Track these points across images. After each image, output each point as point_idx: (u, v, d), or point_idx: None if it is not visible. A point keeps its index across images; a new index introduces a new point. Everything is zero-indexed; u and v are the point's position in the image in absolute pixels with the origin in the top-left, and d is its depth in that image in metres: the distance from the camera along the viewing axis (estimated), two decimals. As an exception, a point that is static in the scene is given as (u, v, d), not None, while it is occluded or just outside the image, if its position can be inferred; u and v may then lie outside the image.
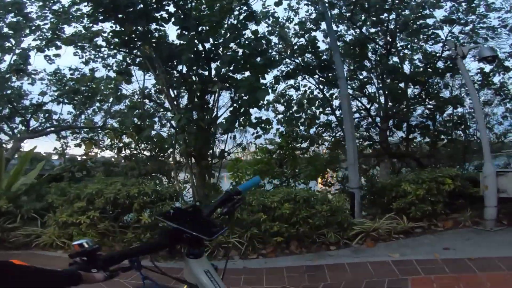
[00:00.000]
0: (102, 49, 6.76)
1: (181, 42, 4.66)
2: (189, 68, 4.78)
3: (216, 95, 4.68)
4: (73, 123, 7.86)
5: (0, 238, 3.97)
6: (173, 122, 4.70)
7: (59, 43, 5.83)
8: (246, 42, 4.48)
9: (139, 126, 4.50)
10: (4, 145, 8.35)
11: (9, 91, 7.27)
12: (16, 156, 6.69)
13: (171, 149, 5.13)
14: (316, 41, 5.21)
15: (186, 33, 4.32)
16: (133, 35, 4.64)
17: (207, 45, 4.73)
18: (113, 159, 6.59)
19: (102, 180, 4.47)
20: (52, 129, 7.85)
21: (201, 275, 0.91)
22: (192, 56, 4.46)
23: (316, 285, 2.85)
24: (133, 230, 3.75)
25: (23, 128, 7.58)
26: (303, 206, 3.69)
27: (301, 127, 6.46)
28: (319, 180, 6.92)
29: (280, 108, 6.61)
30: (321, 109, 5.80)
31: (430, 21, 5.29)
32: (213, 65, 4.78)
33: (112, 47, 5.33)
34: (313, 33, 5.39)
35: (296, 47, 5.40)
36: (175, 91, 4.77)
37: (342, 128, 6.01)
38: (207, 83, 4.43)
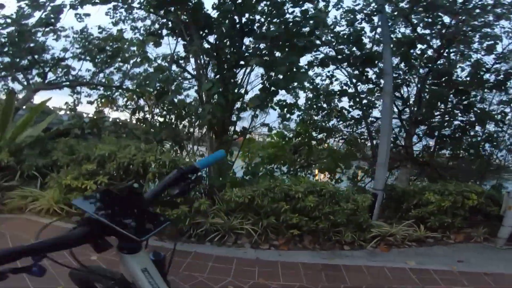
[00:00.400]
0: (134, 11, 6.54)
1: (218, 12, 4.40)
2: (222, 40, 4.50)
3: (248, 70, 4.29)
4: (91, 80, 7.53)
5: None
6: (194, 91, 4.46)
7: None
8: (292, 20, 4.07)
9: (162, 90, 4.13)
10: (16, 95, 8.08)
11: (32, 44, 6.95)
12: (24, 107, 6.39)
13: (188, 118, 4.75)
14: (363, 32, 4.75)
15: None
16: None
17: (243, 19, 4.41)
18: (125, 120, 6.24)
19: (112, 141, 4.14)
20: (68, 83, 7.52)
21: (137, 274, 0.70)
22: (228, 28, 4.16)
23: (336, 286, 2.74)
24: None
25: (39, 80, 7.28)
26: (328, 201, 3.45)
27: (319, 117, 6.13)
28: (316, 172, 6.66)
29: (302, 94, 6.22)
30: (351, 103, 5.39)
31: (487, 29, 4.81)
32: (246, 40, 4.51)
33: (148, 8, 4.92)
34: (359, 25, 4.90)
35: (338, 35, 4.91)
36: (206, 61, 4.39)
37: (367, 125, 5.63)
38: (243, 56, 4.06)
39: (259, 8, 4.46)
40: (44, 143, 4.68)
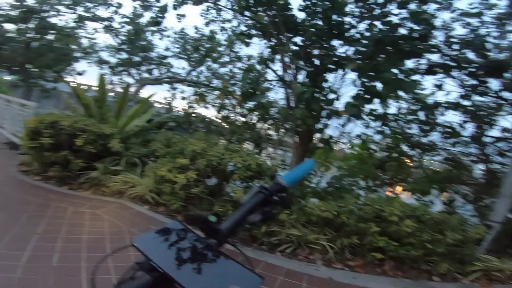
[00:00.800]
0: (222, 12, 6.95)
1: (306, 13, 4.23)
2: (311, 42, 4.28)
3: (340, 74, 3.95)
4: (185, 78, 8.34)
5: (98, 183, 3.99)
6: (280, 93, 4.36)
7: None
8: (398, 22, 3.57)
9: (251, 90, 4.12)
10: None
11: (143, 42, 8.10)
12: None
13: (272, 121, 4.65)
14: (488, 37, 3.86)
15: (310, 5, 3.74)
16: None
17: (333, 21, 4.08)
18: (211, 118, 6.62)
19: (201, 136, 4.31)
20: (168, 79, 8.46)
21: None
22: (318, 30, 3.93)
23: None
24: (222, 203, 3.46)
25: (146, 75, 8.43)
26: (430, 228, 2.97)
27: (415, 130, 5.30)
28: (398, 189, 5.76)
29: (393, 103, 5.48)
30: (464, 117, 4.46)
31: None
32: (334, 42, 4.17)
33: (239, 9, 5.05)
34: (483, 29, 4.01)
35: (451, 39, 4.12)
36: (296, 63, 4.23)
37: (482, 145, 4.61)
38: (335, 60, 3.75)
39: (349, 9, 4.12)
40: (147, 133, 5.23)
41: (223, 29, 8.10)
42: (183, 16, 8.74)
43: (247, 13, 5.01)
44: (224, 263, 0.54)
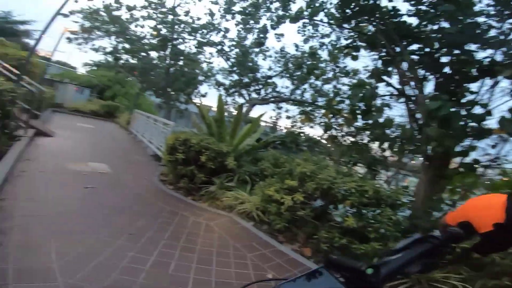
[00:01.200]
0: (320, 28, 6.81)
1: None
2: (440, 48, 3.57)
3: (492, 83, 3.06)
4: (289, 96, 8.49)
5: (214, 196, 4.33)
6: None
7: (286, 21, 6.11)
8: None
9: (365, 107, 3.71)
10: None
11: (250, 64, 8.77)
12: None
13: (389, 142, 4.02)
14: None
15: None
16: (357, 8, 3.99)
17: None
18: (317, 138, 6.43)
19: (308, 157, 4.14)
20: (273, 99, 8.84)
21: None
22: (446, 34, 3.23)
23: None
24: (328, 229, 3.20)
25: (255, 95, 9.06)
26: None
27: None
28: None
29: None
30: None
31: None
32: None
33: (337, 21, 4.77)
34: None
35: None
36: (421, 74, 3.58)
37: None
38: (486, 66, 2.94)
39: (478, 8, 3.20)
40: (256, 152, 5.50)
41: (322, 44, 8.00)
42: (282, 35, 9.15)
43: (345, 25, 4.70)
44: None
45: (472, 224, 0.54)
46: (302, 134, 6.03)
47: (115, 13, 9.41)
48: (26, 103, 8.43)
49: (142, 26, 9.95)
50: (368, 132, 4.46)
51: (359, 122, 4.41)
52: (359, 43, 4.68)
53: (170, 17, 9.26)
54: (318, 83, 8.73)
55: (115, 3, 9.25)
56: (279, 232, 3.66)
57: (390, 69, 4.25)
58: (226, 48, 9.50)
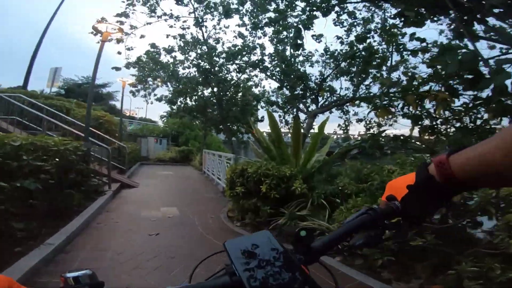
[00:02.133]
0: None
1: None
2: None
3: None
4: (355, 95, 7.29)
5: (279, 231, 3.52)
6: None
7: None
8: None
9: (472, 74, 2.51)
10: (300, 123, 9.66)
11: (296, 73, 7.98)
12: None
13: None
14: None
15: None
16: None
17: None
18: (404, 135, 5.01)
19: (403, 160, 3.00)
20: (334, 103, 7.75)
21: None
22: None
23: None
24: (473, 257, 2.13)
25: (313, 105, 8.10)
26: None
27: None
28: None
29: None
30: None
31: None
32: None
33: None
34: None
35: None
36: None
37: None
38: None
39: None
40: (329, 167, 4.52)
41: (369, 31, 6.78)
42: (321, 36, 8.17)
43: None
44: (301, 280, 0.48)
45: (395, 196, 0.55)
46: (384, 134, 4.73)
47: (157, 57, 10.02)
48: (112, 160, 9.53)
49: (188, 67, 10.34)
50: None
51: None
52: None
53: (204, 48, 9.37)
54: (383, 73, 7.39)
55: (152, 47, 9.84)
56: (381, 267, 2.68)
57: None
58: (268, 65, 9.01)
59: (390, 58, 7.60)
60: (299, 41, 7.28)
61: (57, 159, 3.81)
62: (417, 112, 4.27)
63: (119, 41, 8.95)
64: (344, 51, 7.98)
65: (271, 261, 0.51)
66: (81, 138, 6.03)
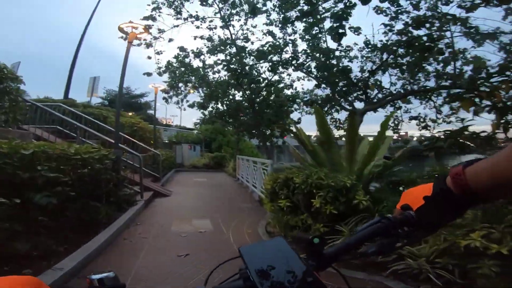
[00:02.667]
0: None
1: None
2: None
3: None
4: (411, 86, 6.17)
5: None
6: None
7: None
8: None
9: None
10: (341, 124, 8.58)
11: (334, 69, 7.04)
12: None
13: None
14: None
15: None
16: None
17: None
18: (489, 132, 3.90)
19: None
20: (385, 97, 6.65)
21: None
22: None
23: None
24: None
25: (357, 102, 7.09)
26: None
27: None
28: None
29: None
30: None
31: None
32: None
33: None
34: None
35: None
36: None
37: None
38: None
39: None
40: (391, 173, 3.60)
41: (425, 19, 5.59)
42: (358, 28, 7.10)
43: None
44: (313, 286, 0.48)
45: (410, 206, 0.55)
46: (467, 131, 3.67)
47: (186, 61, 9.72)
48: (147, 167, 9.36)
49: (218, 71, 9.88)
50: None
51: None
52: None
53: (234, 50, 8.85)
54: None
55: (180, 50, 9.51)
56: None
57: None
58: (303, 62, 8.14)
59: (452, 45, 6.40)
60: (340, 30, 6.42)
61: (80, 170, 3.41)
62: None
63: (148, 45, 8.81)
64: (390, 41, 6.92)
65: (285, 267, 0.51)
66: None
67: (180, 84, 10.59)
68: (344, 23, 6.39)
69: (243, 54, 8.57)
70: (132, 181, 6.46)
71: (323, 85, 7.79)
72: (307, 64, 8.23)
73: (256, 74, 8.99)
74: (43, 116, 7.98)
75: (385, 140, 4.12)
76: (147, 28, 5.74)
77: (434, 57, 6.49)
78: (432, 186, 0.52)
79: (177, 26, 9.01)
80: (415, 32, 6.27)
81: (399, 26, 6.65)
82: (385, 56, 7.12)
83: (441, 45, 6.46)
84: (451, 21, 5.85)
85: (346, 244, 0.56)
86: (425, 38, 6.05)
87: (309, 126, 23.69)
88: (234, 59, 8.71)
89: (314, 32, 7.71)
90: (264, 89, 9.54)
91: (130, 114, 14.69)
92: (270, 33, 8.84)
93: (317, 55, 7.27)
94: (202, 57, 9.68)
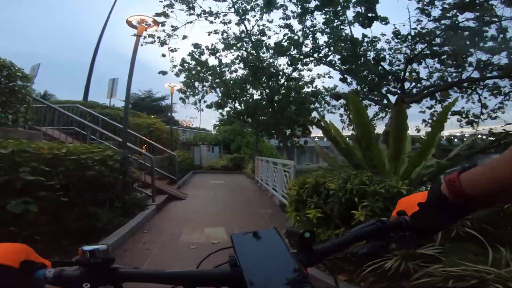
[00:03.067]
0: None
1: None
2: None
3: None
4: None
5: (399, 275, 2.00)
6: None
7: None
8: None
9: None
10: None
11: (363, 59, 6.23)
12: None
13: None
14: None
15: None
16: None
17: None
18: None
19: None
20: (436, 88, 5.75)
21: None
22: None
23: None
24: None
25: (394, 95, 6.21)
26: None
27: None
28: None
29: None
30: None
31: None
32: None
33: None
34: None
35: None
36: None
37: None
38: None
39: None
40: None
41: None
42: (386, 18, 6.19)
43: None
44: (297, 279, 0.47)
45: (406, 212, 0.54)
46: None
47: (202, 58, 9.27)
48: (163, 169, 9.01)
49: (236, 70, 9.34)
50: None
51: None
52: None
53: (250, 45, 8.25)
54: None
55: (195, 47, 9.07)
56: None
57: None
58: (326, 54, 7.36)
59: (504, 29, 5.45)
60: (370, 14, 5.64)
61: (77, 172, 2.95)
62: None
63: (162, 43, 8.46)
64: (425, 30, 6.04)
65: (273, 258, 0.51)
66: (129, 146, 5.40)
67: (197, 83, 10.18)
68: (373, 6, 5.62)
69: (260, 48, 7.97)
70: (146, 183, 6.05)
71: (349, 79, 6.99)
72: (330, 58, 7.49)
73: (274, 71, 8.36)
74: (61, 118, 7.86)
75: (436, 136, 3.31)
76: (156, 21, 5.30)
77: (484, 44, 5.54)
78: (427, 193, 0.51)
79: (191, 22, 8.61)
80: (460, 18, 5.38)
81: (435, 12, 5.77)
82: (418, 47, 6.24)
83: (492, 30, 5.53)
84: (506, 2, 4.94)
85: (338, 242, 0.55)
86: (472, 24, 5.15)
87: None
88: (250, 56, 8.16)
89: (335, 23, 6.98)
90: (284, 85, 8.88)
91: (152, 116, 14.60)
92: (288, 26, 8.20)
93: (342, 45, 6.50)
94: (217, 54, 9.24)
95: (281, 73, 8.63)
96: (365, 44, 6.52)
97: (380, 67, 5.96)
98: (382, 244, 0.54)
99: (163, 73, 9.28)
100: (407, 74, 5.99)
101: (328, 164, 3.92)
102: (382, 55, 6.08)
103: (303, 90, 9.91)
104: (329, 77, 10.09)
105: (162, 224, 4.69)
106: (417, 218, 0.51)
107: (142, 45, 8.76)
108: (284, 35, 7.72)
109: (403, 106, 2.70)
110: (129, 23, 5.37)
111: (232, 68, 9.51)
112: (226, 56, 9.78)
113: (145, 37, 8.78)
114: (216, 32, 8.62)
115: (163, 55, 9.02)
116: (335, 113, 10.18)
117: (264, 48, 8.12)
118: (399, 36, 6.77)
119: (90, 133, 6.41)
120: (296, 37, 8.00)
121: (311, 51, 7.52)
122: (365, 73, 6.04)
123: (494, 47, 5.95)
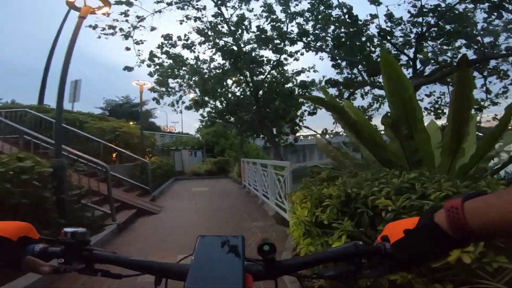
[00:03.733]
0: None
1: None
2: None
3: None
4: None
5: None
6: None
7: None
8: None
9: None
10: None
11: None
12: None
13: None
14: None
15: None
16: None
17: None
18: None
19: None
20: (448, 69, 4.91)
21: None
22: None
23: None
24: None
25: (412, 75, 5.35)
26: None
27: None
28: None
29: None
30: None
31: None
32: None
33: None
34: None
35: None
36: None
37: None
38: None
39: None
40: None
41: None
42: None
43: None
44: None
45: (389, 238, 0.49)
46: None
47: (173, 51, 8.14)
48: (134, 179, 7.73)
49: (212, 60, 8.25)
50: None
51: None
52: None
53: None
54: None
55: (165, 39, 7.90)
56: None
57: None
58: (315, 35, 6.44)
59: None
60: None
61: None
62: None
63: (126, 36, 7.22)
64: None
65: (223, 263, 0.50)
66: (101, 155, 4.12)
67: (170, 80, 8.95)
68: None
69: (239, 31, 6.93)
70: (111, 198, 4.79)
71: (343, 64, 6.06)
72: (320, 42, 6.54)
73: (257, 58, 7.33)
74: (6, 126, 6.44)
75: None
76: (108, 1, 4.12)
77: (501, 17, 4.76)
78: (417, 220, 0.46)
79: (160, 11, 7.43)
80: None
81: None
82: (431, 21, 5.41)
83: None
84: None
85: (308, 259, 0.54)
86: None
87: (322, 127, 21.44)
88: (229, 43, 7.09)
89: (322, 8, 6.09)
90: (268, 74, 7.86)
91: (131, 123, 13.15)
92: (270, 10, 7.21)
93: (337, 25, 5.56)
94: (193, 47, 8.10)
95: (265, 59, 7.61)
96: (361, 20, 5.65)
97: (387, 44, 5.07)
98: (352, 269, 0.50)
99: (129, 69, 7.97)
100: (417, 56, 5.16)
101: (336, 162, 2.89)
102: (391, 30, 5.20)
103: (288, 85, 8.97)
104: (314, 71, 9.26)
105: (121, 250, 3.47)
106: (400, 246, 0.46)
107: (99, 37, 7.48)
108: (266, 17, 6.74)
109: (469, 70, 1.69)
110: (70, 4, 4.15)
111: (211, 66, 8.45)
112: (204, 53, 8.68)
113: (103, 28, 7.51)
114: (188, 18, 7.46)
115: (127, 49, 7.75)
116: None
117: (245, 31, 7.09)
118: (393, 19, 5.97)
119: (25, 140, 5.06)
120: (279, 25, 7.06)
121: (297, 36, 6.56)
122: (365, 53, 5.14)
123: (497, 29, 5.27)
